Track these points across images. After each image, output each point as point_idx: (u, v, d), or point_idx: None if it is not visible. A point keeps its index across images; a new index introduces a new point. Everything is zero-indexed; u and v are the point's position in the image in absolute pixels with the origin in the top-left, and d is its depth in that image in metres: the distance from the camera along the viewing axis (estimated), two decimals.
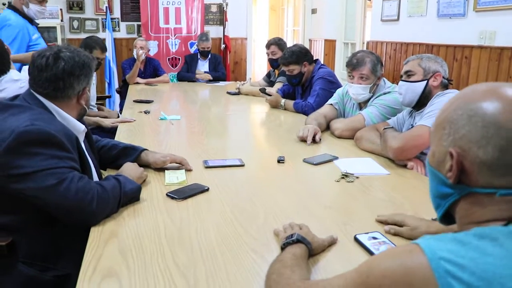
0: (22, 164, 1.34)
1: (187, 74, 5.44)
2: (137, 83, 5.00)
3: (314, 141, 2.41)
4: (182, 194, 1.63)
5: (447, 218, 0.88)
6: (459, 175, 0.78)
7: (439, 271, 0.67)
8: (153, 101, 3.87)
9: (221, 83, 5.20)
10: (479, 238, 0.70)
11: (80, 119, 1.65)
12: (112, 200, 1.45)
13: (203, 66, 5.57)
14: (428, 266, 0.68)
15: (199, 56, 5.58)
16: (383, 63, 2.62)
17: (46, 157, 1.36)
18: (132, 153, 1.89)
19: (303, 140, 2.42)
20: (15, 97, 1.55)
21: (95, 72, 1.96)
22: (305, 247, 1.16)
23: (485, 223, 0.76)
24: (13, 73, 2.51)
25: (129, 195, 1.54)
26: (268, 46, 4.45)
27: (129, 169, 1.71)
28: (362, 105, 2.71)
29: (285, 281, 0.97)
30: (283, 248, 1.17)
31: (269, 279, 1.01)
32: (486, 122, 0.75)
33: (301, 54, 3.50)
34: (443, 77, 2.08)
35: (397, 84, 2.30)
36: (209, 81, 5.28)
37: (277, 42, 4.40)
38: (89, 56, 1.63)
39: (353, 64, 2.61)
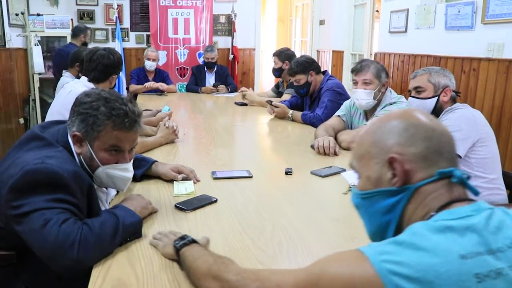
0: (21, 204, 1.25)
1: (194, 87, 5.47)
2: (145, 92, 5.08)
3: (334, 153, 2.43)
4: (190, 205, 1.64)
5: (398, 233, 0.88)
6: (404, 178, 0.87)
7: (383, 271, 0.75)
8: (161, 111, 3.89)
9: (230, 94, 5.22)
10: (411, 235, 0.79)
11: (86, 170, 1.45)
12: (102, 239, 1.26)
13: (210, 79, 5.58)
14: (372, 269, 0.76)
15: (205, 68, 5.60)
16: (390, 75, 2.62)
17: (46, 199, 1.25)
18: (143, 165, 1.91)
19: (319, 152, 2.42)
20: (58, 121, 1.53)
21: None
22: (197, 244, 1.21)
23: (427, 215, 0.85)
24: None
25: (130, 231, 1.36)
26: (272, 56, 4.61)
27: (133, 199, 1.53)
28: (368, 116, 2.72)
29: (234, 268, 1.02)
30: (179, 249, 1.19)
31: (209, 274, 1.04)
32: (405, 126, 0.89)
33: (307, 64, 3.54)
34: (452, 91, 2.09)
35: (404, 95, 2.31)
36: (217, 92, 5.29)
37: (277, 54, 4.53)
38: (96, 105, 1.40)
39: (357, 69, 2.65)
